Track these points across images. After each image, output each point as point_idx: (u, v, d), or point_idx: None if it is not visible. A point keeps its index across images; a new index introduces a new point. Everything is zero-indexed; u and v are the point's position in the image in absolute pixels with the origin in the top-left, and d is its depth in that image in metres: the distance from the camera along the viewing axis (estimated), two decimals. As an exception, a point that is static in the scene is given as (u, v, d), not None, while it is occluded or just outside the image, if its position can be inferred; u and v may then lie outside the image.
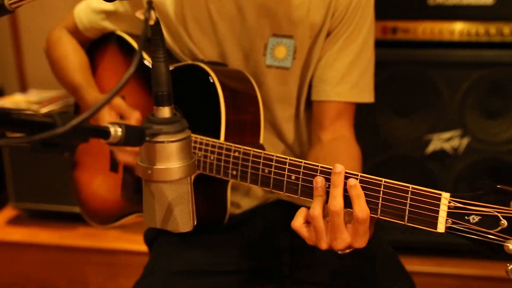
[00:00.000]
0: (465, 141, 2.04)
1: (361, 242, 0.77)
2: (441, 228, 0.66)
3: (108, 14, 1.17)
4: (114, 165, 1.15)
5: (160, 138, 0.58)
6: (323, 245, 0.78)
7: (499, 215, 0.61)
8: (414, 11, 2.00)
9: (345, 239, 0.76)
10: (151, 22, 0.59)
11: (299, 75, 1.13)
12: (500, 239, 0.61)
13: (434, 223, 0.67)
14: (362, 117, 2.07)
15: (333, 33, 1.10)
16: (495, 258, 0.62)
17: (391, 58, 2.02)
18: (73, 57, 1.19)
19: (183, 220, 0.62)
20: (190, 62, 1.07)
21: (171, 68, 1.09)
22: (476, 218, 0.63)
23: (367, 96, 1.13)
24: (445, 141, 2.07)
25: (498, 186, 0.62)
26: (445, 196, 0.67)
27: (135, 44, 1.13)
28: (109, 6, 1.17)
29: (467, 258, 2.10)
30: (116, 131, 0.52)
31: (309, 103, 1.15)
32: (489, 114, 2.03)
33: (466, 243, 0.64)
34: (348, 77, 1.10)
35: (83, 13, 1.20)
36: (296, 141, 1.17)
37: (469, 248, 0.63)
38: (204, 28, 1.10)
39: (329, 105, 1.11)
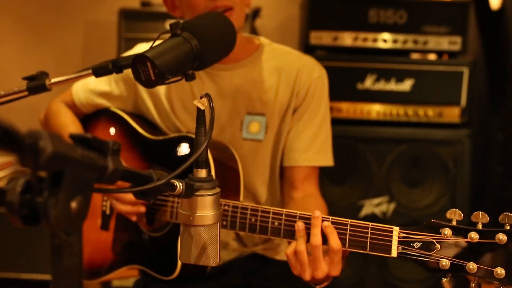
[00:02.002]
0: (392, 206, 2.32)
1: (336, 270, 0.95)
2: (394, 253, 0.87)
3: (103, 94, 1.34)
4: (105, 224, 1.29)
5: (201, 192, 0.77)
6: (307, 276, 0.96)
7: (434, 240, 0.85)
8: (346, 94, 2.30)
9: (324, 268, 0.94)
10: (202, 107, 0.79)
11: (271, 146, 1.31)
12: (436, 258, 0.84)
13: (389, 250, 0.88)
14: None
15: (298, 110, 1.30)
16: (434, 273, 0.84)
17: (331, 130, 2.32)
18: (71, 126, 1.33)
19: (214, 256, 0.78)
20: (178, 134, 1.26)
21: (160, 138, 1.28)
22: (419, 244, 0.86)
23: (329, 160, 1.36)
24: (375, 206, 2.34)
25: (432, 220, 0.86)
26: (396, 229, 0.89)
27: (127, 118, 1.31)
28: (105, 87, 1.34)
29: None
30: (180, 186, 0.70)
31: (281, 169, 1.34)
32: (410, 183, 2.32)
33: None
34: (313, 145, 1.30)
35: (81, 91, 1.36)
36: (268, 202, 1.34)
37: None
38: (188, 108, 1.28)
39: (299, 170, 1.29)
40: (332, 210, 2.28)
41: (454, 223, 0.85)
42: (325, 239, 0.94)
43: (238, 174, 1.20)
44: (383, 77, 2.29)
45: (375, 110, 2.32)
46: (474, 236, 0.81)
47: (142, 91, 1.31)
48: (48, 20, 2.89)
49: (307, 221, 0.96)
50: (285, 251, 0.98)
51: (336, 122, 2.28)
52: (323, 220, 0.94)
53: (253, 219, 1.03)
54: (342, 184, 2.33)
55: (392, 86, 2.30)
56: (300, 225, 0.96)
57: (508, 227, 0.81)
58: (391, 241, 0.88)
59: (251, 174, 1.30)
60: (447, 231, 0.84)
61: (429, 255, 0.84)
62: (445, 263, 0.83)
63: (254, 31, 2.72)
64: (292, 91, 1.29)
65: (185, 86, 1.28)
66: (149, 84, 0.90)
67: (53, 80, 0.99)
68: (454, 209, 0.85)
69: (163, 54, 0.89)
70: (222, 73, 1.28)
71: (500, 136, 2.83)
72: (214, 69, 1.26)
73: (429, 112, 2.30)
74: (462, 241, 0.82)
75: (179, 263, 1.13)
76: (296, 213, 0.99)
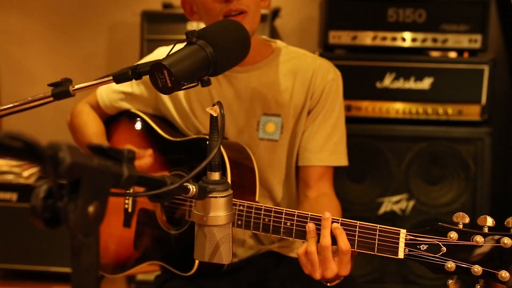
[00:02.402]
0: (411, 203, 2.34)
1: (345, 270, 0.98)
2: (401, 255, 0.90)
3: (126, 95, 1.40)
4: (127, 221, 1.35)
5: (214, 194, 0.81)
6: (317, 275, 0.99)
7: (440, 243, 0.87)
8: (365, 93, 2.32)
9: (334, 268, 0.97)
10: (215, 114, 0.83)
11: (286, 146, 1.34)
12: (441, 261, 0.87)
13: (396, 251, 0.91)
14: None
15: (313, 112, 1.33)
16: (439, 274, 0.87)
17: (346, 131, 2.34)
18: (92, 124, 1.39)
19: (227, 254, 0.83)
20: (197, 136, 1.31)
21: (179, 140, 1.33)
22: (425, 247, 0.88)
23: (342, 160, 1.39)
24: (394, 203, 2.35)
25: (439, 223, 0.88)
26: (403, 232, 0.92)
27: (148, 119, 1.37)
28: (127, 89, 1.39)
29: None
30: (193, 188, 0.75)
31: (296, 168, 1.38)
32: (430, 180, 2.33)
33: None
34: (327, 146, 1.32)
35: (105, 93, 1.41)
36: (285, 200, 1.38)
37: None
38: (206, 108, 1.33)
39: (313, 169, 1.32)
40: (350, 208, 2.34)
41: (461, 226, 0.88)
42: (334, 240, 0.97)
43: (254, 174, 1.24)
44: (402, 76, 2.30)
45: (394, 108, 2.33)
46: (479, 239, 0.84)
47: (162, 95, 1.36)
48: (74, 22, 2.98)
49: (318, 222, 1.00)
50: (296, 251, 1.02)
51: (355, 121, 2.34)
52: (332, 222, 0.98)
53: (266, 219, 1.07)
54: (361, 181, 2.35)
55: (411, 84, 2.31)
56: (311, 226, 0.99)
57: (512, 230, 0.83)
58: (398, 243, 0.91)
59: (268, 173, 1.34)
60: (453, 235, 0.86)
61: (435, 258, 0.87)
62: (450, 265, 0.85)
63: (273, 31, 2.75)
64: (307, 93, 1.33)
65: (204, 88, 1.32)
66: (166, 90, 0.94)
67: (76, 86, 1.05)
68: (461, 213, 0.88)
69: (179, 62, 0.94)
70: (239, 76, 1.32)
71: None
72: (232, 71, 1.30)
73: (449, 110, 2.30)
74: (467, 244, 0.85)
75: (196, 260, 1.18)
76: (308, 214, 1.02)
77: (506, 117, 2.83)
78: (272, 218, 1.06)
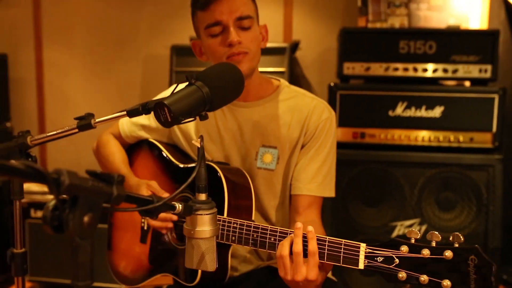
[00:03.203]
0: (423, 228, 2.42)
1: (312, 274, 1.09)
2: (361, 266, 1.03)
3: (144, 127, 1.59)
4: (144, 237, 1.53)
5: (200, 212, 0.97)
6: (288, 277, 1.11)
7: (393, 256, 0.99)
8: (378, 121, 2.44)
9: (303, 272, 1.09)
10: (198, 145, 1.00)
11: (282, 175, 1.46)
12: (394, 271, 0.98)
13: (357, 263, 1.03)
14: (337, 207, 2.47)
15: (306, 146, 1.45)
16: (394, 284, 0.98)
17: (360, 157, 2.44)
18: (118, 154, 1.59)
19: (211, 263, 0.98)
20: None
21: (188, 166, 1.50)
22: (381, 258, 1.00)
23: (328, 192, 1.49)
24: (407, 227, 2.44)
25: (392, 238, 1.00)
26: (363, 245, 1.04)
27: (162, 148, 1.55)
28: (145, 122, 1.56)
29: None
30: (179, 207, 0.91)
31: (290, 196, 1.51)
32: (442, 206, 2.41)
33: None
34: (316, 178, 1.44)
35: (126, 125, 1.61)
36: (279, 224, 1.50)
37: None
38: (214, 139, 1.49)
39: (303, 198, 1.43)
40: (365, 231, 2.43)
41: (413, 241, 1.00)
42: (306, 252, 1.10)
43: (251, 197, 1.38)
44: (413, 105, 2.41)
45: (407, 135, 2.43)
46: (425, 252, 0.96)
47: (175, 126, 1.53)
48: (112, 56, 3.25)
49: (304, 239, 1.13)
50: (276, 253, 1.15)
51: (369, 147, 2.46)
52: (305, 236, 1.11)
53: (255, 235, 1.21)
54: (375, 206, 2.45)
55: (422, 112, 2.41)
56: (289, 236, 1.13)
57: (457, 245, 0.95)
58: (358, 256, 1.04)
59: (264, 199, 1.48)
60: (404, 248, 0.99)
61: (389, 268, 0.99)
62: (402, 275, 0.97)
63: (295, 62, 2.92)
64: (302, 129, 1.46)
65: (211, 120, 1.49)
66: (167, 124, 1.12)
67: (97, 120, 1.23)
68: (412, 229, 1.00)
69: (178, 101, 1.11)
70: (242, 110, 1.48)
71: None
72: (236, 106, 1.47)
73: (460, 138, 2.39)
74: (416, 256, 0.97)
75: (199, 271, 1.33)
76: (287, 230, 1.17)
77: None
78: (259, 234, 1.21)
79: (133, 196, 0.81)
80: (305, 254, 1.11)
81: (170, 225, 1.38)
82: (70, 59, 3.28)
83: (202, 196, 0.98)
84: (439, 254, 0.95)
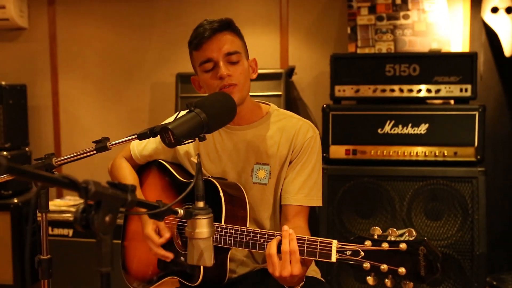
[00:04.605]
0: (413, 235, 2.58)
1: (296, 269, 1.25)
2: (333, 259, 1.21)
3: (152, 150, 1.79)
4: None
5: (198, 217, 1.17)
6: (276, 273, 1.29)
7: (359, 249, 1.19)
8: (368, 138, 2.64)
9: (289, 270, 1.27)
10: (196, 161, 1.21)
11: (273, 189, 1.63)
12: (360, 262, 1.17)
13: (329, 256, 1.22)
14: (332, 219, 2.66)
15: (293, 162, 1.61)
16: (360, 274, 1.17)
17: (353, 173, 2.63)
18: (130, 177, 1.80)
19: (209, 259, 1.17)
20: (204, 178, 1.67)
21: (190, 181, 1.70)
22: (350, 252, 1.19)
23: (316, 201, 1.66)
24: (397, 237, 2.60)
25: (359, 235, 1.20)
26: (335, 242, 1.23)
27: (169, 168, 1.76)
28: (153, 145, 1.75)
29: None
30: (181, 212, 1.12)
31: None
32: (430, 216, 2.57)
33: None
34: (302, 189, 1.60)
35: (136, 148, 1.82)
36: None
37: None
38: (212, 158, 1.69)
39: (291, 207, 1.60)
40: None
41: (376, 236, 1.19)
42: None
43: (246, 208, 1.58)
44: (400, 123, 2.61)
45: (395, 151, 2.62)
46: (384, 245, 1.15)
47: (179, 147, 1.74)
48: (122, 83, 3.49)
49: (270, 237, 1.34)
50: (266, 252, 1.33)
51: (361, 163, 2.66)
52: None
53: (247, 238, 1.41)
54: (368, 217, 2.63)
55: (409, 130, 2.61)
56: (275, 238, 1.33)
57: (410, 238, 1.15)
58: (331, 250, 1.23)
59: (259, 210, 1.67)
60: (368, 242, 1.18)
61: (356, 260, 1.18)
62: (366, 265, 1.16)
63: (291, 86, 3.15)
64: (290, 147, 1.65)
65: (210, 142, 1.70)
66: (171, 145, 1.33)
67: (112, 143, 1.45)
68: (375, 227, 1.20)
69: (180, 125, 1.33)
70: (238, 132, 1.68)
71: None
72: (232, 129, 1.67)
73: (445, 152, 2.57)
74: (378, 249, 1.16)
75: (201, 273, 1.52)
76: (274, 233, 1.37)
77: (510, 157, 3.06)
78: (251, 237, 1.41)
79: (142, 202, 1.02)
80: None
81: (171, 255, 1.61)
82: (83, 87, 3.53)
83: (200, 204, 1.19)
84: (395, 246, 1.15)
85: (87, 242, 2.91)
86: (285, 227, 1.31)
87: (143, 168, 1.87)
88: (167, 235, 1.61)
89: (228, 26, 1.60)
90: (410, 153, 2.62)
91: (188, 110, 1.39)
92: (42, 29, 3.51)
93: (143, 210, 1.05)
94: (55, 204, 3.11)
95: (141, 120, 3.43)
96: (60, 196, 3.46)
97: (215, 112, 1.40)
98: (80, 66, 3.51)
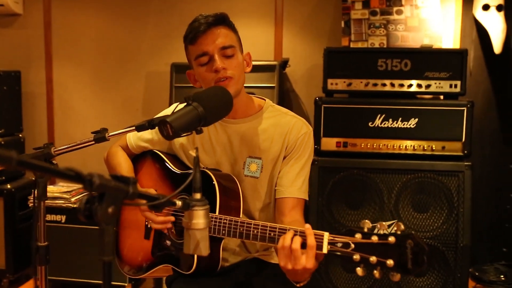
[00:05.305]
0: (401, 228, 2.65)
1: (310, 264, 1.26)
2: (325, 250, 1.26)
3: (148, 140, 1.83)
4: (147, 234, 1.77)
5: (195, 208, 1.21)
6: (288, 266, 1.28)
7: (350, 242, 1.24)
8: (359, 131, 2.69)
9: (302, 262, 1.28)
10: (194, 155, 1.24)
11: (266, 182, 1.67)
12: (350, 254, 1.22)
13: (321, 247, 1.26)
14: (322, 210, 2.71)
15: (287, 157, 1.66)
16: (350, 265, 1.22)
17: (343, 165, 2.69)
18: (125, 165, 1.83)
19: (205, 249, 1.21)
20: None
21: (185, 172, 1.74)
22: (340, 244, 1.23)
23: (305, 195, 1.69)
24: (386, 228, 2.68)
25: (350, 228, 1.25)
26: (326, 234, 1.28)
27: (165, 158, 1.80)
28: (149, 136, 1.78)
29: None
30: (179, 203, 1.16)
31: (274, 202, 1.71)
32: (417, 208, 2.64)
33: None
34: (296, 182, 1.65)
35: (132, 138, 1.85)
36: None
37: None
38: (207, 150, 1.73)
39: (287, 200, 1.64)
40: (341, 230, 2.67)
41: (365, 229, 1.25)
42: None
43: (239, 199, 1.63)
44: (390, 117, 2.66)
45: (385, 144, 2.68)
46: (374, 238, 1.21)
47: (174, 139, 1.78)
48: (116, 72, 3.51)
49: (274, 231, 1.38)
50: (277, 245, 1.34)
51: (351, 155, 2.71)
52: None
53: (241, 229, 1.46)
54: (357, 208, 2.69)
55: (399, 124, 2.66)
56: (290, 231, 1.34)
57: (398, 232, 1.21)
58: (322, 242, 1.28)
59: (250, 203, 1.71)
60: (358, 235, 1.23)
61: (346, 252, 1.24)
62: (356, 257, 1.22)
63: (285, 78, 3.18)
64: (283, 144, 1.70)
65: (205, 134, 1.74)
66: (169, 138, 1.37)
67: (110, 134, 1.49)
68: (365, 220, 1.25)
69: (178, 118, 1.36)
70: (232, 126, 1.72)
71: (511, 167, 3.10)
72: (226, 122, 1.71)
73: (433, 146, 2.63)
74: (367, 242, 1.22)
75: (195, 261, 1.57)
76: (267, 224, 1.41)
77: (496, 152, 3.14)
78: (245, 228, 1.46)
79: (143, 194, 1.06)
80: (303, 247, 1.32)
81: (169, 225, 1.63)
82: (78, 75, 3.54)
83: (197, 195, 1.23)
84: (384, 239, 1.20)
85: (80, 228, 2.94)
86: (307, 225, 1.32)
87: (138, 157, 1.90)
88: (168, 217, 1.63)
89: (223, 20, 1.63)
90: (399, 146, 2.68)
91: (185, 104, 1.43)
92: (37, 15, 3.51)
93: (143, 201, 1.09)
94: (48, 190, 3.13)
95: (135, 109, 3.46)
96: (53, 183, 3.49)
97: (212, 105, 1.44)
98: (75, 54, 3.52)
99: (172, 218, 1.63)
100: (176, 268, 1.67)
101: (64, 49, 3.53)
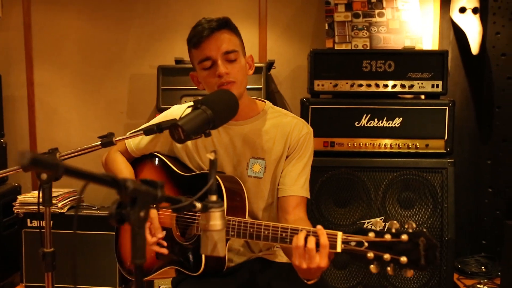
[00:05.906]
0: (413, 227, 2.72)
1: (324, 263, 1.30)
2: (339, 249, 1.30)
3: (148, 143, 1.82)
4: None
5: (212, 210, 1.23)
6: (303, 265, 1.31)
7: (363, 240, 1.29)
8: (346, 131, 2.75)
9: (316, 261, 1.30)
10: (212, 158, 1.27)
11: (269, 182, 1.71)
12: (364, 252, 1.27)
13: (335, 247, 1.30)
14: (311, 208, 2.76)
15: (290, 157, 1.71)
16: (363, 263, 1.27)
17: (331, 164, 2.74)
18: (126, 170, 1.83)
19: (222, 249, 1.22)
20: (201, 171, 1.74)
21: (188, 174, 1.76)
22: (354, 243, 1.28)
23: (307, 193, 1.74)
24: (372, 225, 2.75)
25: (359, 228, 1.29)
26: (340, 233, 1.32)
27: (166, 161, 1.81)
28: (149, 138, 1.79)
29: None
30: (199, 205, 1.18)
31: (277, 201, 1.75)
32: (403, 204, 2.72)
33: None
34: (298, 181, 1.69)
35: (132, 141, 1.86)
36: None
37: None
38: (209, 150, 1.74)
39: (290, 199, 1.68)
40: (336, 229, 2.73)
41: (378, 228, 1.30)
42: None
43: (244, 201, 1.66)
44: (376, 116, 2.73)
45: (371, 143, 2.75)
46: (387, 236, 1.26)
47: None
48: (100, 74, 3.47)
49: (285, 232, 1.41)
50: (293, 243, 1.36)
51: (338, 155, 2.77)
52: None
53: (251, 230, 1.49)
54: (345, 206, 2.75)
55: (384, 123, 2.74)
56: (302, 231, 1.38)
57: (410, 230, 1.26)
58: (336, 241, 1.33)
59: (253, 202, 1.75)
60: (371, 234, 1.28)
61: (360, 250, 1.29)
62: (370, 254, 1.27)
63: (270, 79, 3.22)
64: (285, 144, 1.74)
65: (208, 137, 1.76)
66: (180, 141, 1.39)
67: (117, 138, 1.50)
68: (377, 219, 1.30)
69: (189, 122, 1.39)
70: (234, 128, 1.75)
71: (488, 163, 3.22)
72: (229, 124, 1.73)
73: (417, 144, 2.72)
74: (380, 240, 1.27)
75: (203, 262, 1.60)
76: (278, 225, 1.45)
77: (473, 149, 3.25)
78: (255, 228, 1.49)
79: (169, 197, 1.08)
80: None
81: (165, 251, 1.67)
82: (60, 78, 3.49)
83: (214, 197, 1.25)
84: (397, 237, 1.25)
85: (66, 233, 2.91)
86: (319, 226, 1.36)
87: (137, 161, 1.91)
88: (159, 235, 1.66)
89: (226, 25, 1.66)
90: (385, 145, 2.75)
91: (194, 107, 1.45)
92: (16, 18, 3.44)
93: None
94: (34, 196, 3.09)
95: (120, 111, 3.44)
96: (36, 188, 3.44)
97: (220, 108, 1.47)
98: (57, 57, 3.47)
99: (165, 251, 1.66)
100: (183, 270, 1.68)
101: (45, 52, 3.47)
